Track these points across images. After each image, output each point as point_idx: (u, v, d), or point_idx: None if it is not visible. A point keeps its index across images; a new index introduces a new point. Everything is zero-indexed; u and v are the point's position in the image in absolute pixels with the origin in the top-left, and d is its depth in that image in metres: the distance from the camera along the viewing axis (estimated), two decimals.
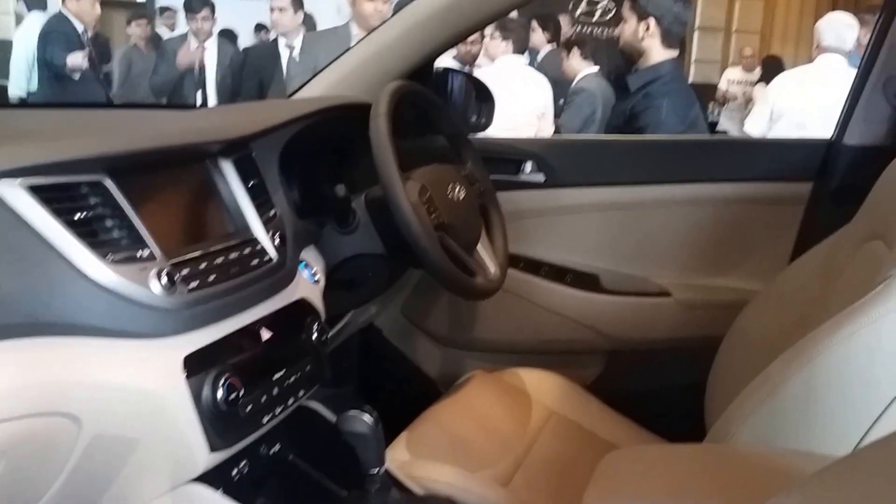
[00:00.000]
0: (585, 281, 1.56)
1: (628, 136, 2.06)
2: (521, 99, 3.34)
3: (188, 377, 0.81)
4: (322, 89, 1.40)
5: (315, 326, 1.04)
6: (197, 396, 0.82)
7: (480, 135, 1.57)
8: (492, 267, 1.26)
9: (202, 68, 3.94)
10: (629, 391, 1.43)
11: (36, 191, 0.73)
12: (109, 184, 0.80)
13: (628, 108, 2.16)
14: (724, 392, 1.07)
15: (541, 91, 3.54)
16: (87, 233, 0.76)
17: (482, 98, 1.56)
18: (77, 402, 0.73)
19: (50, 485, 0.77)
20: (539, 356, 1.54)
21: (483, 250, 1.27)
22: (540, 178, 1.56)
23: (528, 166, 1.56)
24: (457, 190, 1.21)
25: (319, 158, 1.24)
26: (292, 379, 0.97)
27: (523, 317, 1.56)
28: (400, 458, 1.11)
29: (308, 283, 1.09)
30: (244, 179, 0.99)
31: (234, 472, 0.94)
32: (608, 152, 1.67)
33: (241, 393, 0.85)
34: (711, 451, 0.92)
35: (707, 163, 1.61)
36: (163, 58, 4.17)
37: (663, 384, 1.48)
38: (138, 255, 0.79)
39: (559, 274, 1.56)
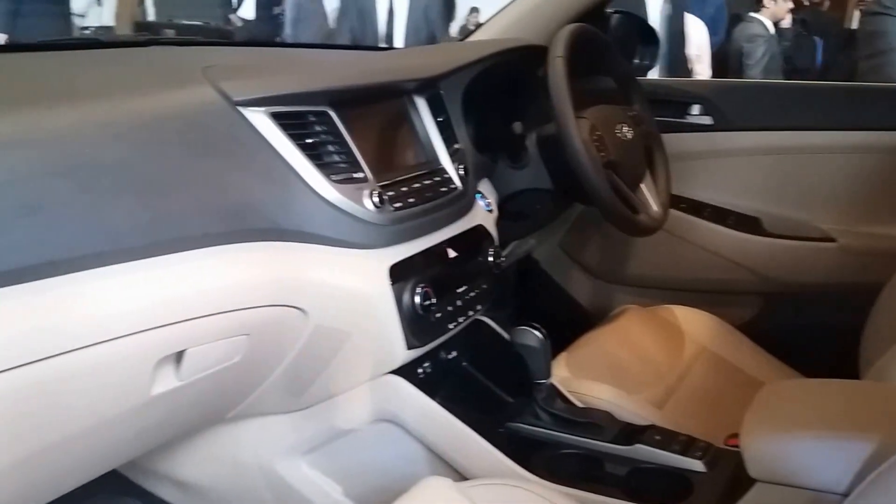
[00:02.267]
0: (747, 223, 1.57)
1: (798, 82, 2.00)
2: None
3: (392, 283, 0.94)
4: (496, 32, 1.48)
5: (490, 250, 1.15)
6: (399, 300, 0.95)
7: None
8: (654, 205, 1.31)
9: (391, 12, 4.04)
10: (782, 334, 1.45)
11: (276, 117, 0.87)
12: (332, 114, 0.93)
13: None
14: (883, 337, 1.09)
15: (696, 33, 3.43)
16: (315, 155, 0.89)
17: (647, 40, 1.59)
18: (306, 297, 0.87)
19: (279, 363, 0.93)
20: (691, 294, 1.58)
21: (646, 189, 1.33)
22: (707, 120, 1.58)
23: (696, 109, 1.58)
24: (624, 130, 1.26)
25: (494, 97, 1.33)
26: (472, 294, 1.09)
27: (680, 256, 1.60)
28: (561, 374, 1.21)
29: (484, 211, 1.20)
30: (434, 115, 1.10)
31: (420, 370, 1.08)
32: (777, 96, 1.66)
33: (433, 301, 0.98)
34: (871, 388, 0.95)
35: (879, 111, 1.56)
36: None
37: (817, 328, 1.48)
38: (355, 176, 0.92)
39: (720, 215, 1.58)
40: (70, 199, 0.65)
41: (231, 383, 0.90)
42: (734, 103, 1.59)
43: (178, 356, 0.76)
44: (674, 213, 1.46)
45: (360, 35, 3.82)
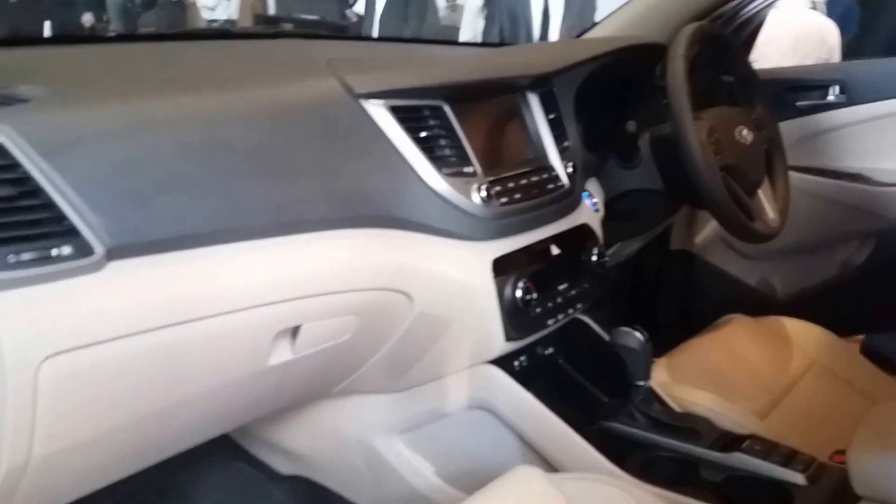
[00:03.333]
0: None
1: None
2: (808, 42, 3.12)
3: (495, 276, 0.96)
4: (613, 29, 1.47)
5: (594, 250, 1.15)
6: (501, 293, 0.97)
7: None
8: (771, 212, 1.27)
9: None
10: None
11: (394, 111, 0.91)
12: (447, 109, 0.96)
13: None
14: None
15: (829, 36, 3.26)
16: (428, 148, 0.93)
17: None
18: (412, 283, 0.91)
19: (384, 345, 0.98)
20: (802, 307, 1.52)
21: (763, 195, 1.29)
22: (843, 98, 1.57)
23: (836, 89, 1.58)
24: (744, 133, 1.23)
25: (608, 95, 1.32)
26: (573, 292, 1.10)
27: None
28: (660, 379, 1.20)
29: (590, 210, 1.20)
30: (546, 112, 1.11)
31: (516, 363, 1.10)
32: None
33: (534, 296, 1.00)
34: None
35: None
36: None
37: None
38: (464, 170, 0.95)
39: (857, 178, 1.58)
40: (209, 177, 0.71)
41: (339, 360, 0.96)
42: (870, 82, 1.58)
43: (294, 331, 0.81)
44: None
45: (510, 36, 3.81)
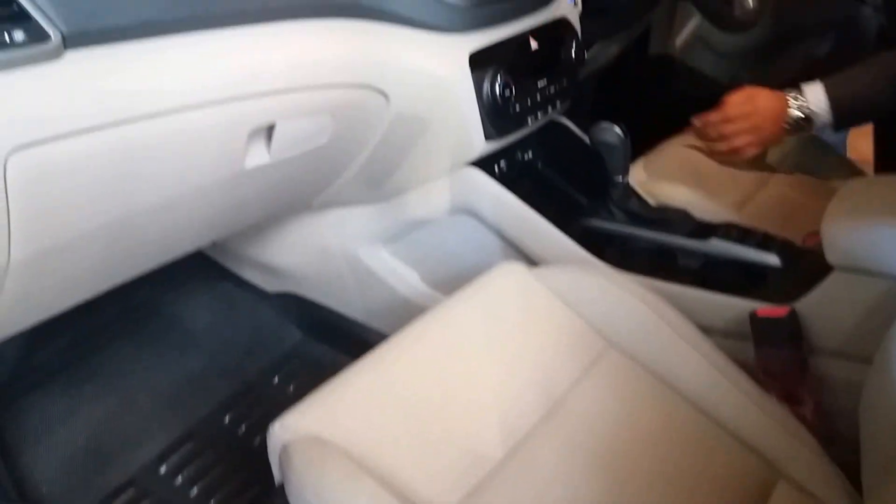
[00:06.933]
0: None
1: None
2: None
3: (473, 71, 0.93)
4: None
5: (573, 45, 1.11)
6: (479, 88, 0.94)
7: None
8: (751, 1, 1.23)
9: None
10: None
11: None
12: None
13: None
14: None
15: None
16: None
17: None
18: (387, 80, 0.88)
19: (362, 150, 0.96)
20: None
21: None
22: None
23: None
24: None
25: None
26: (552, 89, 1.07)
27: None
28: (638, 177, 1.21)
29: (568, 4, 1.15)
30: None
31: (496, 168, 1.09)
32: None
33: (513, 92, 0.97)
34: None
35: None
36: None
37: None
38: None
39: None
40: None
41: (318, 166, 0.94)
42: None
43: (269, 132, 0.79)
44: None
45: None
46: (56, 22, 0.58)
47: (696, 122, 1.10)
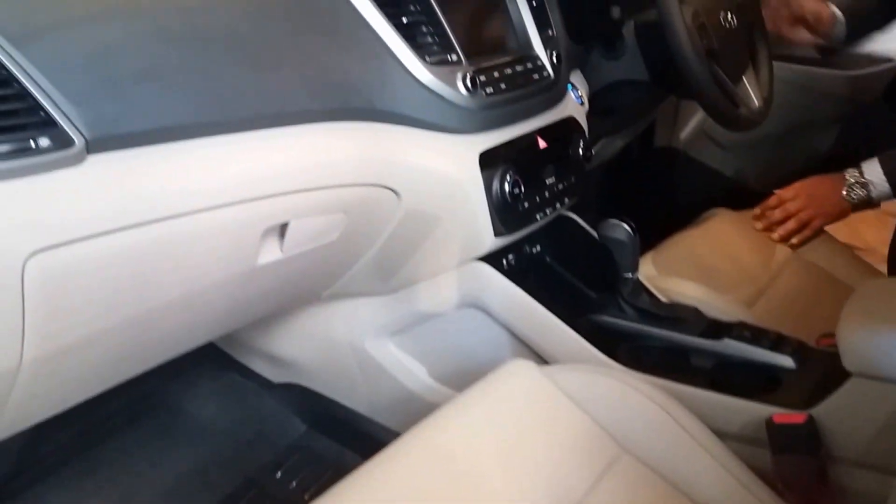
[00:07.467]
0: None
1: None
2: None
3: (482, 170, 0.94)
4: None
5: (580, 143, 1.13)
6: (488, 187, 0.95)
7: None
8: (756, 100, 1.26)
9: None
10: None
11: None
12: None
13: None
14: None
15: None
16: (410, 36, 0.89)
17: None
18: (399, 179, 0.89)
19: (372, 244, 0.96)
20: None
21: (748, 82, 1.27)
22: None
23: None
24: (728, 17, 1.19)
25: None
26: (560, 186, 1.08)
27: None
28: (647, 272, 1.21)
29: (575, 103, 1.18)
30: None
31: (504, 261, 1.09)
32: None
33: (522, 190, 0.98)
34: None
35: None
36: None
37: None
38: (449, 58, 0.92)
39: None
40: (187, 66, 0.67)
41: (329, 261, 0.94)
42: None
43: (282, 229, 0.80)
44: None
45: None
46: (80, 128, 0.59)
47: (759, 210, 1.25)
